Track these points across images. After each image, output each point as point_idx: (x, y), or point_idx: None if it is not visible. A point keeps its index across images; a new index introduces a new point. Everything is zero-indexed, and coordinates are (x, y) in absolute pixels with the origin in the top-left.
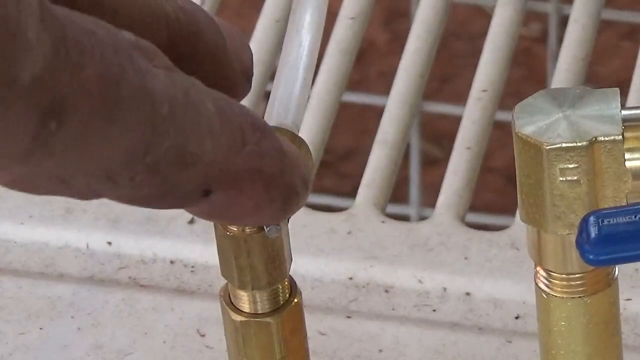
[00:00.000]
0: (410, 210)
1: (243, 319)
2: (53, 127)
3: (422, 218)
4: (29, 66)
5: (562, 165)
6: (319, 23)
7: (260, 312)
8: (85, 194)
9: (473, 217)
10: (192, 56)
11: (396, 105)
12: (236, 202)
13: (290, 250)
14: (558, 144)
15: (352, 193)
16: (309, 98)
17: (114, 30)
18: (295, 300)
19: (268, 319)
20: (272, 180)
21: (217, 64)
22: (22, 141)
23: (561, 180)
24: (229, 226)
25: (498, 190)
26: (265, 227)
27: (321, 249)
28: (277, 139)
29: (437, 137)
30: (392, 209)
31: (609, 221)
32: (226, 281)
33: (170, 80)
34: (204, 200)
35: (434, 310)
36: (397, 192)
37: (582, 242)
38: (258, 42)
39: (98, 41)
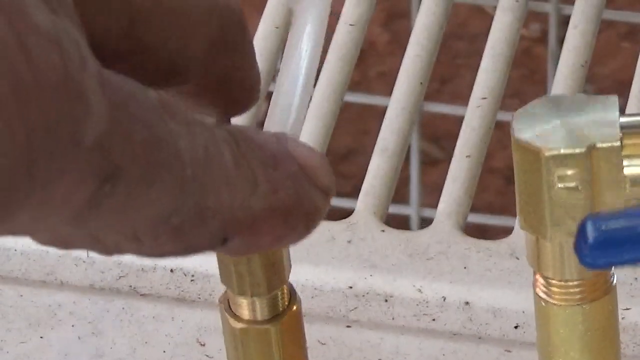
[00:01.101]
0: (410, 210)
1: (242, 325)
2: (107, 190)
3: (422, 219)
4: (92, 129)
5: (560, 172)
6: (320, 32)
7: (259, 319)
8: (111, 251)
9: (473, 218)
10: (236, 45)
11: (396, 112)
12: (255, 242)
13: (290, 257)
14: (557, 150)
15: (352, 193)
16: (309, 103)
17: (144, 89)
18: (295, 307)
19: (267, 326)
20: (289, 212)
21: (246, 59)
22: (77, 203)
23: (560, 187)
24: None
25: (498, 190)
26: None
27: (321, 258)
28: (289, 160)
29: (437, 137)
30: (392, 209)
31: (607, 224)
32: (226, 288)
33: (191, 136)
34: (223, 247)
35: (433, 320)
36: (397, 193)
37: (580, 246)
38: (258, 48)
39: (140, 104)
